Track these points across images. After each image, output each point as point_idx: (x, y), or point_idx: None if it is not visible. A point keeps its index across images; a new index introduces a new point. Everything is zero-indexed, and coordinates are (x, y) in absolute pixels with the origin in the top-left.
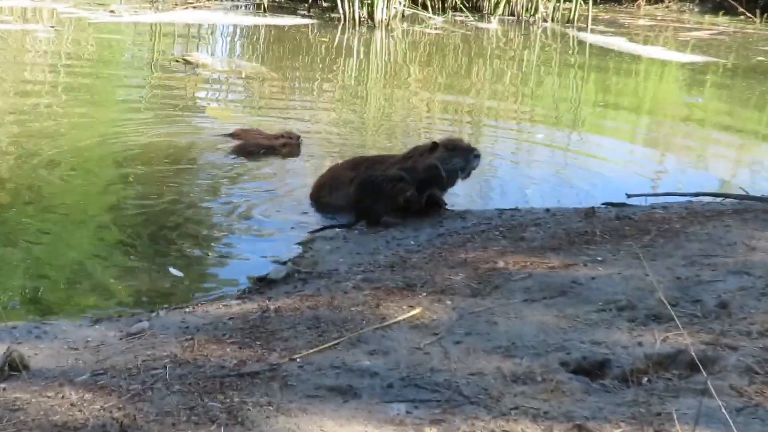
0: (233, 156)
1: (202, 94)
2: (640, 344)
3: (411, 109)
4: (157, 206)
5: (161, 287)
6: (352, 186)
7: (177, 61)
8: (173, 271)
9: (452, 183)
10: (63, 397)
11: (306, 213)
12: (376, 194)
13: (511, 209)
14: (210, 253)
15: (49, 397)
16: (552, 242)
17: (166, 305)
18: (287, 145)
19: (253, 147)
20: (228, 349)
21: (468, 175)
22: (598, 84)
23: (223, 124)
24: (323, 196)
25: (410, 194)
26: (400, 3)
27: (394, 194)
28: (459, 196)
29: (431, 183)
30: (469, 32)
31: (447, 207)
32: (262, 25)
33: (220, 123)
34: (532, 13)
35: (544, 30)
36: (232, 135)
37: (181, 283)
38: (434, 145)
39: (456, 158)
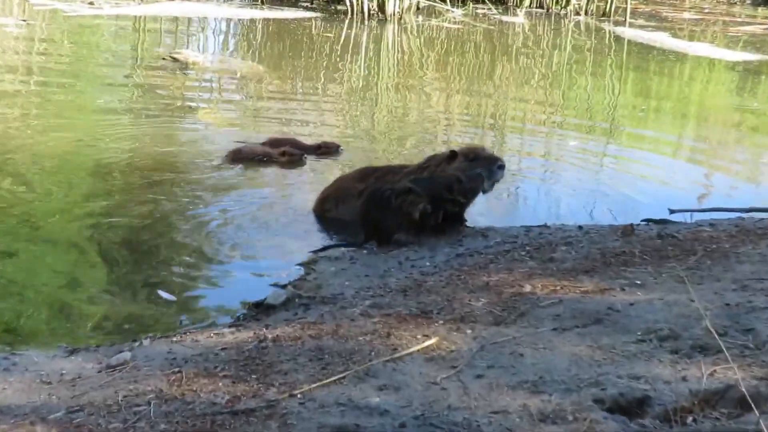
0: (231, 164)
1: (191, 96)
2: (684, 379)
3: (427, 113)
4: (141, 222)
5: (145, 313)
6: (360, 200)
7: (164, 59)
8: (163, 294)
9: (473, 197)
10: None
11: (308, 230)
12: (384, 209)
13: (539, 226)
14: (200, 275)
15: None
16: (585, 264)
17: (150, 334)
18: (287, 154)
19: (248, 154)
20: (220, 384)
21: (491, 187)
22: (638, 85)
23: (217, 130)
24: (328, 210)
25: (422, 207)
26: None
27: (403, 209)
28: (481, 211)
29: (451, 197)
30: (492, 26)
31: (467, 224)
32: (260, 19)
33: (212, 128)
34: (563, 5)
35: (577, 24)
36: (266, 143)
37: (168, 308)
38: (453, 154)
39: (477, 169)
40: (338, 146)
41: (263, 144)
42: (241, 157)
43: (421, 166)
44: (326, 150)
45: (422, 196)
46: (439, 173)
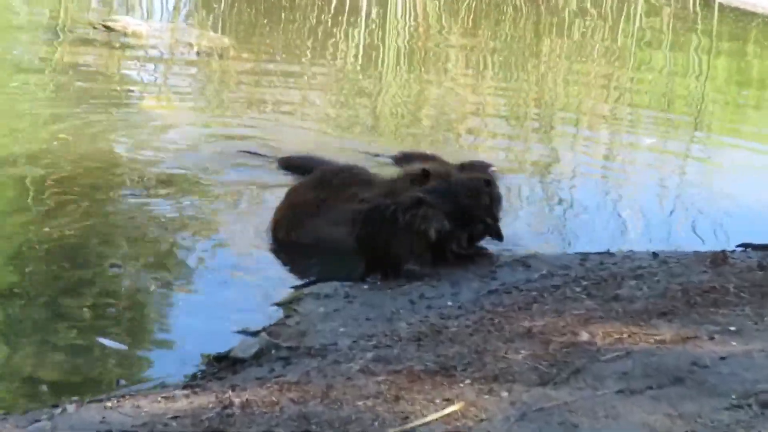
0: (282, 171)
1: (132, 78)
2: None
3: (449, 103)
4: (67, 247)
5: (70, 369)
6: (320, 215)
7: (95, 28)
8: (105, 342)
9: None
10: None
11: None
12: (390, 230)
13: (599, 253)
14: (145, 318)
15: None
16: (661, 303)
17: (76, 397)
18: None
19: (301, 164)
20: None
21: None
22: (733, 65)
23: (167, 123)
24: (281, 233)
25: (440, 225)
26: None
27: (414, 227)
28: (521, 232)
29: (479, 211)
30: None
31: (501, 248)
32: None
33: (161, 121)
34: None
35: None
36: (395, 159)
37: (101, 363)
38: (424, 174)
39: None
40: (489, 167)
41: (395, 157)
42: (291, 164)
43: (391, 186)
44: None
45: (439, 209)
46: (459, 182)
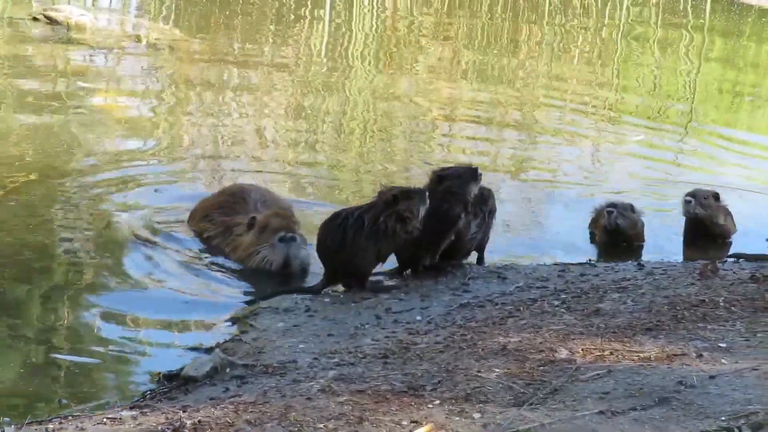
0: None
1: (76, 73)
2: None
3: (420, 103)
4: (8, 254)
5: (8, 387)
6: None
7: (35, 19)
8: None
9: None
10: None
11: (244, 269)
12: (354, 236)
13: (580, 264)
14: (89, 333)
15: None
16: (646, 318)
17: (7, 418)
18: None
19: None
20: None
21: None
22: (725, 60)
23: (112, 122)
24: (191, 221)
25: (412, 228)
26: None
27: (388, 232)
28: (495, 242)
29: (446, 224)
30: None
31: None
32: None
33: (106, 120)
34: None
35: None
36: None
37: (42, 381)
38: (251, 222)
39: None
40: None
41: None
42: None
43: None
44: None
45: (416, 210)
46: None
